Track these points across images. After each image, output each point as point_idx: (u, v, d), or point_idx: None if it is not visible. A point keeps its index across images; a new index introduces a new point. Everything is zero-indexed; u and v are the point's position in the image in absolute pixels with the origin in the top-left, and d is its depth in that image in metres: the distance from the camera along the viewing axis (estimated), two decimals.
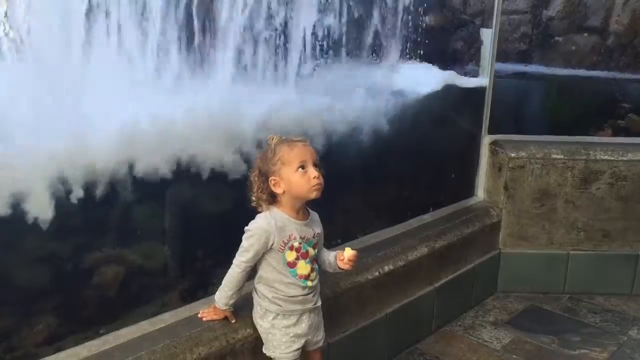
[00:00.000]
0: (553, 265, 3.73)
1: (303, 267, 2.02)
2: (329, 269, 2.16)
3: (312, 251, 2.05)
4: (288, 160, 1.94)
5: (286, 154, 1.95)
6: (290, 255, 1.99)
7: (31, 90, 1.86)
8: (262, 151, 2.05)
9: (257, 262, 2.03)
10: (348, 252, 2.07)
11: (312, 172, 1.94)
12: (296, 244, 2.00)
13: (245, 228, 1.99)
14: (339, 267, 2.12)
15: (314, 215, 2.11)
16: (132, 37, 2.11)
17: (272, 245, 1.97)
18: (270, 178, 1.96)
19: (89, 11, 1.98)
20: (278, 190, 1.97)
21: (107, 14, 2.03)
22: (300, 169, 1.93)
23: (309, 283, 2.03)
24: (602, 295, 3.74)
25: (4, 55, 1.83)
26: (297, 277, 2.01)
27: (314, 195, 1.96)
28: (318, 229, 2.09)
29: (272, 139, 2.00)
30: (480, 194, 3.86)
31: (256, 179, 2.00)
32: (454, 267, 3.34)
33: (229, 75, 2.38)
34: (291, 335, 2.03)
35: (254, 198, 2.02)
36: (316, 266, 2.09)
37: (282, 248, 1.98)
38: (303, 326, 2.05)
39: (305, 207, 2.07)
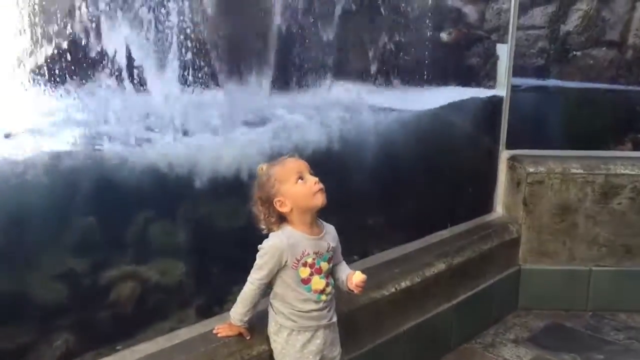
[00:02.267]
0: (575, 281, 3.67)
1: (318, 282, 2.02)
2: (342, 287, 2.16)
3: (326, 265, 2.05)
4: (285, 177, 1.97)
5: (280, 172, 1.98)
6: (304, 272, 2.00)
7: None
8: (255, 182, 2.07)
9: (272, 279, 2.03)
10: (357, 278, 2.07)
11: (311, 179, 1.97)
12: (310, 260, 2.00)
13: (259, 246, 2.01)
14: (348, 289, 2.12)
15: (329, 228, 2.11)
16: None
17: (285, 262, 1.98)
18: (275, 200, 1.98)
19: None
20: (285, 209, 1.98)
21: None
22: (299, 181, 1.96)
23: (324, 297, 2.03)
24: (625, 312, 3.67)
25: None
26: (312, 292, 2.02)
27: (319, 201, 1.97)
28: (333, 243, 2.09)
29: (262, 168, 2.05)
30: (499, 209, 3.83)
31: (260, 208, 2.02)
32: (473, 284, 3.31)
33: None
34: (305, 351, 2.03)
35: (263, 226, 2.04)
36: (331, 280, 2.09)
37: (296, 265, 1.99)
38: (318, 342, 2.05)
39: (319, 221, 2.08)
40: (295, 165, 2.00)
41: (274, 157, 2.20)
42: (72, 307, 2.03)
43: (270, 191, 1.98)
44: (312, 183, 1.96)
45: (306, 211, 2.00)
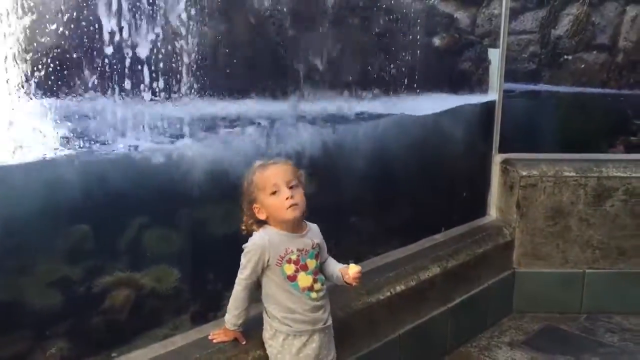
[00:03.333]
0: (569, 284, 3.68)
1: (304, 279, 2.03)
2: (337, 282, 2.15)
3: (313, 262, 2.05)
4: (262, 185, 1.98)
5: (259, 179, 1.99)
6: (289, 269, 2.01)
7: None
8: (245, 179, 2.07)
9: (261, 281, 2.04)
10: (352, 270, 2.07)
11: (285, 192, 1.96)
12: (294, 257, 2.01)
13: (243, 246, 2.03)
14: (346, 282, 2.11)
15: (312, 226, 2.12)
16: None
17: (268, 260, 1.99)
18: (253, 206, 2.01)
19: None
20: (261, 216, 2.01)
21: None
22: (274, 193, 1.97)
23: (313, 295, 2.03)
24: (620, 314, 3.67)
25: None
26: (299, 290, 2.02)
27: (290, 215, 1.97)
28: (317, 239, 2.10)
29: (253, 166, 2.05)
30: (493, 213, 3.85)
31: (244, 208, 2.05)
32: (468, 287, 3.32)
33: None
34: (301, 355, 2.03)
35: (243, 227, 2.06)
36: (320, 277, 2.09)
37: (280, 262, 2.00)
38: (314, 346, 2.05)
39: (301, 222, 2.09)
40: (273, 174, 1.99)
41: None
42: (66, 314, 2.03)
43: (250, 195, 2.02)
44: (284, 197, 1.96)
45: (281, 223, 2.02)
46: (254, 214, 2.02)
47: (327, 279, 2.14)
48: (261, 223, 2.04)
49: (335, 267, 2.15)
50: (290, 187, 1.98)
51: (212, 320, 2.32)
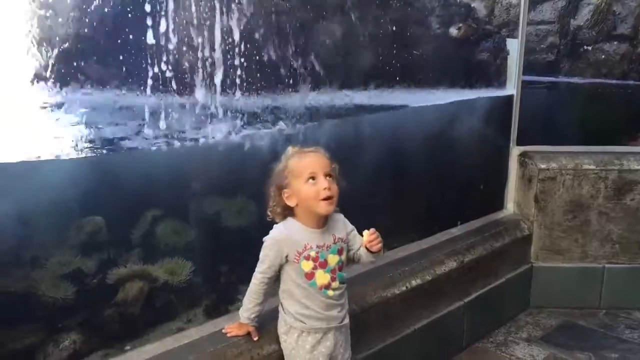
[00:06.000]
0: (588, 279, 3.62)
1: (322, 277, 1.97)
2: (365, 257, 2.07)
3: (335, 259, 1.99)
4: (298, 172, 1.92)
5: (296, 165, 1.93)
6: (307, 266, 1.95)
7: None
8: (276, 165, 2.02)
9: (280, 276, 2.00)
10: (366, 236, 2.00)
11: (322, 182, 1.90)
12: (313, 254, 1.95)
13: (263, 239, 1.99)
14: (370, 253, 2.03)
15: (337, 218, 2.05)
16: None
17: (286, 256, 1.95)
18: (283, 191, 1.95)
19: None
20: (291, 203, 1.95)
21: None
22: (310, 180, 1.90)
23: (330, 292, 1.98)
24: None
25: None
26: (316, 287, 1.97)
27: (323, 209, 1.91)
28: (340, 234, 2.03)
29: (287, 152, 2.00)
30: (510, 206, 3.79)
31: (272, 193, 1.99)
32: (484, 282, 3.27)
33: None
34: (315, 352, 1.99)
35: (269, 212, 2.01)
36: (340, 275, 2.02)
37: (297, 258, 1.95)
38: (328, 344, 2.00)
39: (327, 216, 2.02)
40: (312, 162, 1.93)
41: None
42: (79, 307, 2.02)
43: (282, 181, 1.95)
44: (321, 188, 1.89)
45: (311, 213, 1.95)
46: (282, 200, 1.95)
47: (362, 263, 2.08)
48: (287, 211, 1.98)
49: (358, 244, 2.08)
50: (327, 178, 1.92)
51: (225, 314, 2.30)
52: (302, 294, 1.97)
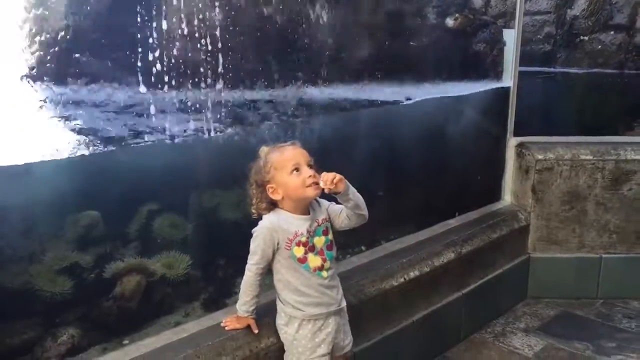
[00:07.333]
0: (585, 269, 3.62)
1: (313, 260, 2.00)
2: (350, 210, 2.03)
3: (319, 240, 2.02)
4: (281, 165, 1.96)
5: (277, 159, 1.97)
6: (299, 251, 1.99)
7: None
8: (254, 164, 2.04)
9: (272, 266, 2.01)
10: (322, 185, 1.93)
11: (306, 171, 1.95)
12: (303, 239, 1.99)
13: (252, 230, 2.00)
14: (343, 199, 1.99)
15: (313, 203, 2.06)
16: None
17: (278, 243, 1.97)
18: (267, 186, 1.98)
19: None
20: (276, 196, 1.98)
21: None
22: (294, 172, 1.95)
23: (324, 274, 2.01)
24: (637, 299, 3.62)
25: None
26: (310, 271, 2.00)
27: (311, 194, 1.96)
28: (322, 215, 2.06)
29: (263, 150, 2.03)
30: (507, 197, 3.79)
31: (254, 191, 2.02)
32: (482, 273, 3.27)
33: None
34: (317, 340, 2.01)
35: (253, 210, 2.04)
36: (328, 254, 2.04)
37: (289, 245, 1.98)
38: (329, 330, 2.03)
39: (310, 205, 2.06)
40: (293, 154, 1.98)
41: None
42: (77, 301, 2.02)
43: (265, 176, 1.98)
44: (306, 175, 1.94)
45: (297, 201, 1.99)
46: (267, 195, 1.99)
47: (350, 216, 2.04)
48: (272, 205, 2.02)
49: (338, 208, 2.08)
50: (309, 167, 1.97)
51: (223, 307, 2.30)
52: (297, 280, 1.99)
